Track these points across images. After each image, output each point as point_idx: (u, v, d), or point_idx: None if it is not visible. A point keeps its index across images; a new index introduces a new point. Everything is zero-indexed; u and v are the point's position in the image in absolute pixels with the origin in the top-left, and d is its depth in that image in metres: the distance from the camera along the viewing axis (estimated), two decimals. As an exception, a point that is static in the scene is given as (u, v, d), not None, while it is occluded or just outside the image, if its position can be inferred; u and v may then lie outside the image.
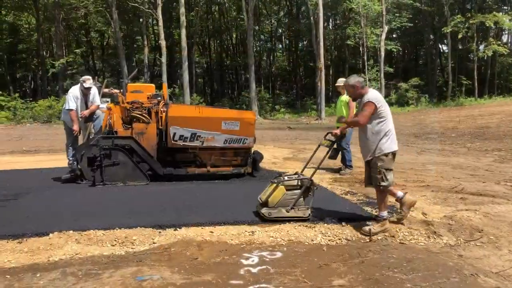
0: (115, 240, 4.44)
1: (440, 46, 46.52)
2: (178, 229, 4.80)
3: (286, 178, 5.26)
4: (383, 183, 4.71)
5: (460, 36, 36.26)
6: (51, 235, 4.54)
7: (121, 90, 8.35)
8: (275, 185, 5.14)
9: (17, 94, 31.90)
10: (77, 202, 6.13)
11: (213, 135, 7.63)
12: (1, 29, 38.36)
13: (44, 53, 38.93)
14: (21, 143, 16.93)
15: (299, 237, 4.55)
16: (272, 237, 4.57)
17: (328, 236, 4.60)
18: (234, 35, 49.02)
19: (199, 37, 44.36)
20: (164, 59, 28.92)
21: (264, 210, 5.05)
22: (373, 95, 4.76)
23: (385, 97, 35.61)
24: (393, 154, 4.82)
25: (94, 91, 8.13)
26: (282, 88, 50.80)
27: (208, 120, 7.66)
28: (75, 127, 7.87)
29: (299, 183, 5.13)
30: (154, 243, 4.42)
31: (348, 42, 36.41)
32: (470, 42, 39.19)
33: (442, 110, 31.89)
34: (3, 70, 39.24)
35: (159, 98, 8.03)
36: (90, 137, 8.25)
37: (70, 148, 8.08)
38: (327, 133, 5.22)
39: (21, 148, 14.76)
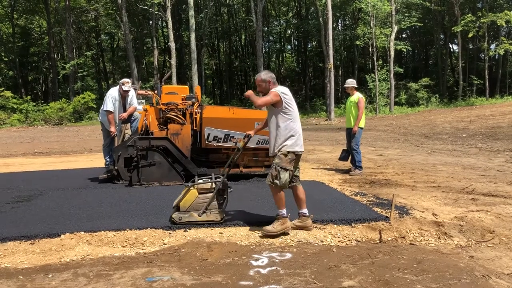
0: (126, 241, 4.48)
1: (450, 45, 46.21)
2: (188, 230, 4.82)
3: (199, 181, 5.13)
4: (276, 181, 4.57)
5: (470, 35, 35.91)
6: (62, 236, 4.60)
7: (156, 92, 8.51)
8: (187, 188, 5.03)
9: (28, 97, 32.30)
10: (88, 204, 6.18)
11: None
12: (14, 32, 38.84)
13: (55, 55, 39.31)
14: (33, 145, 17.13)
15: (308, 238, 4.55)
16: (282, 238, 4.57)
17: (338, 237, 4.59)
18: (243, 37, 49.09)
19: (208, 39, 44.48)
20: (173, 61, 29.09)
21: (175, 215, 4.96)
22: (282, 89, 4.69)
23: (395, 97, 35.60)
24: (296, 155, 4.66)
25: (132, 94, 8.34)
26: (292, 89, 50.67)
27: (242, 121, 7.67)
28: (112, 128, 8.03)
29: (213, 186, 5.00)
30: (164, 244, 4.45)
31: (357, 42, 36.24)
32: (481, 41, 38.84)
33: (453, 110, 31.64)
34: (15, 73, 39.73)
35: (194, 100, 8.15)
36: (126, 138, 8.41)
37: (107, 148, 8.23)
38: (246, 135, 5.16)
39: (33, 150, 14.92)
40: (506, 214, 5.36)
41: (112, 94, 8.11)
